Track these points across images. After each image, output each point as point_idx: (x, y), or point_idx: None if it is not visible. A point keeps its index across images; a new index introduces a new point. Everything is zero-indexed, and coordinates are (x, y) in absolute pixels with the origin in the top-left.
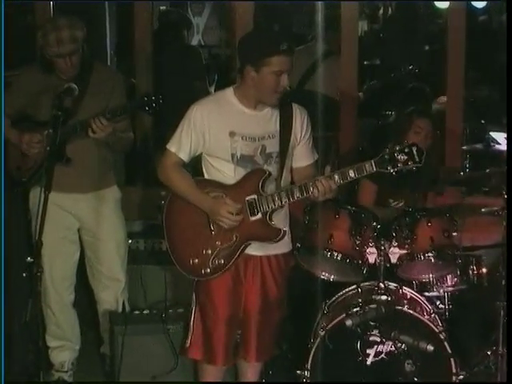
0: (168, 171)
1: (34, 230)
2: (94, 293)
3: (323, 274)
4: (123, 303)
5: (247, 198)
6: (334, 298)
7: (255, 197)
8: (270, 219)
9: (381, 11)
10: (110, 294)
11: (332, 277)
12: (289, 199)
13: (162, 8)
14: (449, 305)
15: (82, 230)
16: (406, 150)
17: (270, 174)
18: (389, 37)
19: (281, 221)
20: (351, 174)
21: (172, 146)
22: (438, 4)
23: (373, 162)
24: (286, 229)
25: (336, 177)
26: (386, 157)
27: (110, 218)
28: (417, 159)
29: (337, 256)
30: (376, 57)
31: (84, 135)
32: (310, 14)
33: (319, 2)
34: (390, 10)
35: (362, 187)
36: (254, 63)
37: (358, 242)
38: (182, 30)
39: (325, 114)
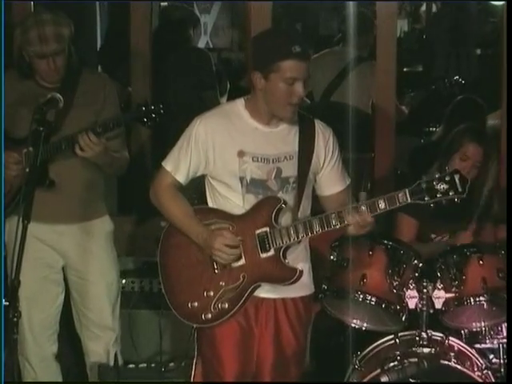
0: (160, 193)
1: (10, 267)
2: (82, 343)
3: (354, 321)
4: (115, 355)
5: (258, 232)
6: (366, 351)
7: (267, 230)
8: (284, 257)
9: (423, 8)
10: (100, 344)
11: (364, 325)
12: (307, 233)
13: (162, 4)
14: (504, 359)
15: (67, 268)
16: (447, 179)
17: (285, 202)
18: (433, 39)
19: (298, 257)
20: (381, 205)
21: (168, 165)
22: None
23: (407, 191)
24: (306, 267)
25: (363, 208)
26: (422, 186)
27: (100, 255)
28: (460, 189)
29: (370, 300)
30: (418, 62)
31: (70, 154)
32: (339, 11)
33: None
34: (434, 7)
35: (399, 223)
36: (262, 69)
37: (395, 284)
38: (188, 28)
39: (355, 130)
